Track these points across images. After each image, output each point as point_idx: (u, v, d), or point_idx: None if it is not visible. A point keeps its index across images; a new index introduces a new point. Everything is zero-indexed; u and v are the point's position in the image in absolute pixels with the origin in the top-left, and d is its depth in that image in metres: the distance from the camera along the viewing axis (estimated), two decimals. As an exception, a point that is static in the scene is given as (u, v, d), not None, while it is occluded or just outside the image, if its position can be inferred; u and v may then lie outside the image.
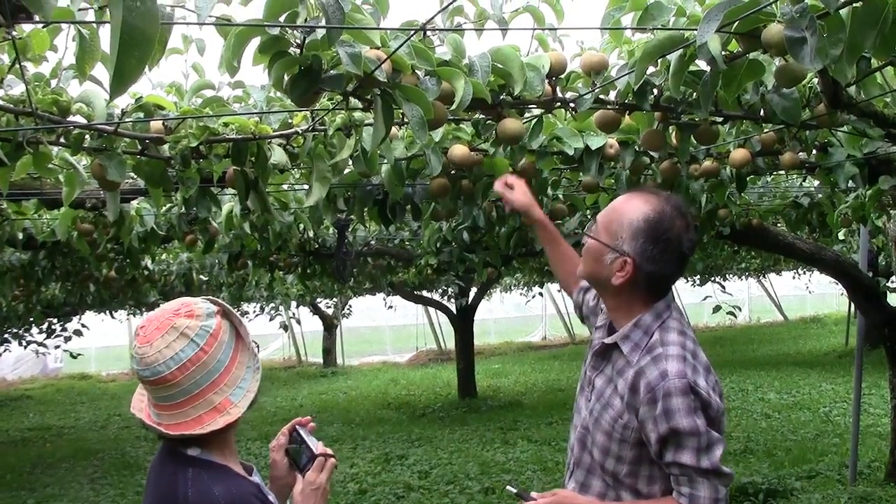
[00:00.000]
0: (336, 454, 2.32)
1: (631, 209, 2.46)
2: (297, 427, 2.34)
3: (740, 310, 25.44)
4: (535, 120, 3.42)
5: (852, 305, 12.60)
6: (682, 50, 2.52)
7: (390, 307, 20.06)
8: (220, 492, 2.00)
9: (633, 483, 2.42)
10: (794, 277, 23.53)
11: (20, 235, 5.34)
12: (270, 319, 20.37)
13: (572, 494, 2.52)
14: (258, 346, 2.21)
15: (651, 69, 2.79)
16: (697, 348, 2.40)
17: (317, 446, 2.27)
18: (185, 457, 2.07)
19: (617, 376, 2.45)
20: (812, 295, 26.88)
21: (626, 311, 2.50)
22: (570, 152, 3.73)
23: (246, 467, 2.23)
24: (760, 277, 24.66)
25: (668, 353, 2.33)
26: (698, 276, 20.15)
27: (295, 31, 2.26)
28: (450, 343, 22.16)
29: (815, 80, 3.01)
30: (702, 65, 2.64)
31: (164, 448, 2.14)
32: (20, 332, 13.87)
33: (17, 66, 2.56)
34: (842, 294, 18.29)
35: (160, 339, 1.98)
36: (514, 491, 2.63)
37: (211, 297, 2.14)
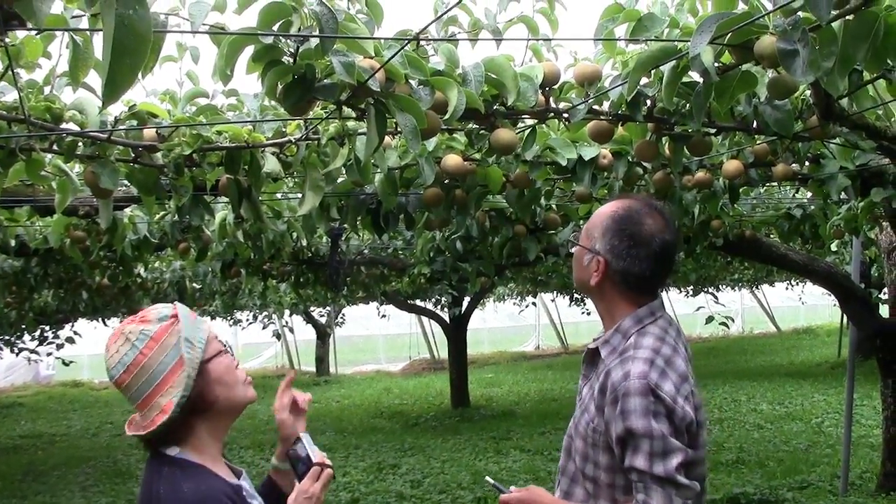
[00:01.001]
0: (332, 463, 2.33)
1: (604, 210, 2.51)
2: (301, 434, 2.36)
3: (733, 321, 25.36)
4: (529, 130, 3.42)
5: (845, 317, 12.61)
6: (675, 61, 2.53)
7: (383, 316, 20.05)
8: (188, 488, 2.04)
9: (611, 493, 2.41)
10: (786, 288, 23.55)
11: (13, 242, 5.33)
12: (263, 328, 20.32)
13: (544, 492, 2.52)
14: (230, 349, 2.26)
15: (644, 80, 2.80)
16: (676, 356, 2.37)
17: (316, 455, 2.29)
18: (164, 456, 2.12)
19: (595, 381, 2.44)
20: (805, 306, 26.91)
21: (609, 317, 2.51)
22: (564, 163, 3.74)
23: (235, 471, 2.27)
24: (753, 288, 24.72)
25: (637, 356, 2.32)
26: (691, 287, 20.18)
27: (288, 40, 2.26)
28: (443, 352, 22.12)
29: (808, 93, 3.02)
30: (695, 76, 2.64)
31: (150, 451, 2.18)
32: (12, 339, 13.82)
33: (10, 72, 2.56)
34: (834, 305, 18.29)
35: (113, 345, 2.12)
36: (492, 482, 2.67)
37: (178, 304, 2.21)
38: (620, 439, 2.28)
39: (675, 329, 2.51)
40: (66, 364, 14.43)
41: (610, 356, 2.41)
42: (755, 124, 3.17)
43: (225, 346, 2.22)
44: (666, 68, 2.58)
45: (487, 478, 2.78)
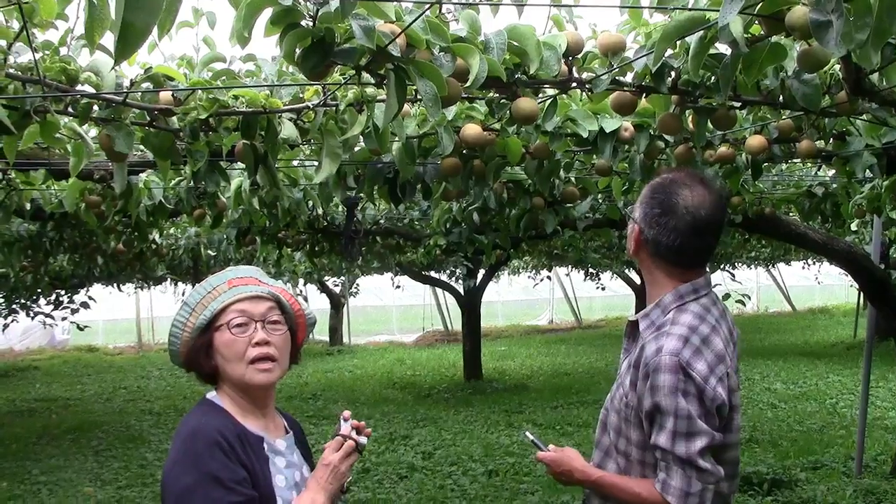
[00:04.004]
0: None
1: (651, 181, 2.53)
2: (341, 418, 2.45)
3: (749, 298, 25.41)
4: (550, 100, 3.37)
5: (861, 297, 12.53)
6: (702, 32, 2.47)
7: (398, 287, 20.08)
8: (195, 420, 2.20)
9: (642, 470, 2.39)
10: (803, 268, 23.53)
11: (28, 206, 5.32)
12: (277, 296, 20.31)
13: (577, 454, 2.56)
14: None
15: (670, 51, 2.74)
16: (714, 336, 2.34)
17: (345, 430, 2.36)
18: (204, 397, 2.33)
19: (634, 355, 2.43)
20: (821, 286, 26.86)
21: (651, 289, 2.51)
22: (585, 134, 3.69)
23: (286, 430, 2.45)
24: (770, 267, 24.62)
25: (671, 332, 2.31)
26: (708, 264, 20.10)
27: (308, 3, 2.22)
28: (456, 324, 22.17)
29: (837, 67, 2.95)
30: (722, 48, 2.59)
31: None
32: (28, 302, 13.88)
33: (25, 33, 2.52)
34: (851, 285, 18.20)
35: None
36: (532, 438, 2.69)
37: (238, 268, 2.45)
38: (649, 415, 2.27)
39: (720, 309, 2.47)
40: (80, 329, 14.48)
41: (647, 330, 2.40)
42: (781, 98, 3.11)
43: (259, 321, 2.31)
44: (693, 39, 2.52)
45: (527, 432, 2.79)
